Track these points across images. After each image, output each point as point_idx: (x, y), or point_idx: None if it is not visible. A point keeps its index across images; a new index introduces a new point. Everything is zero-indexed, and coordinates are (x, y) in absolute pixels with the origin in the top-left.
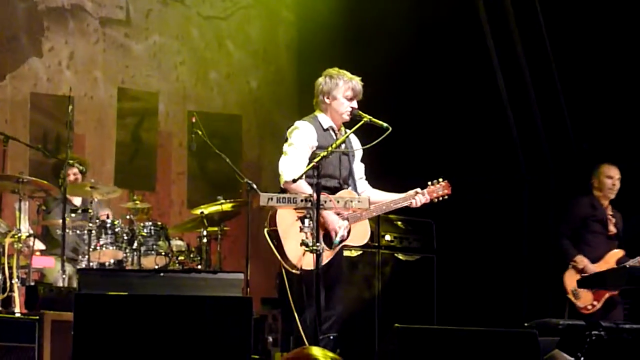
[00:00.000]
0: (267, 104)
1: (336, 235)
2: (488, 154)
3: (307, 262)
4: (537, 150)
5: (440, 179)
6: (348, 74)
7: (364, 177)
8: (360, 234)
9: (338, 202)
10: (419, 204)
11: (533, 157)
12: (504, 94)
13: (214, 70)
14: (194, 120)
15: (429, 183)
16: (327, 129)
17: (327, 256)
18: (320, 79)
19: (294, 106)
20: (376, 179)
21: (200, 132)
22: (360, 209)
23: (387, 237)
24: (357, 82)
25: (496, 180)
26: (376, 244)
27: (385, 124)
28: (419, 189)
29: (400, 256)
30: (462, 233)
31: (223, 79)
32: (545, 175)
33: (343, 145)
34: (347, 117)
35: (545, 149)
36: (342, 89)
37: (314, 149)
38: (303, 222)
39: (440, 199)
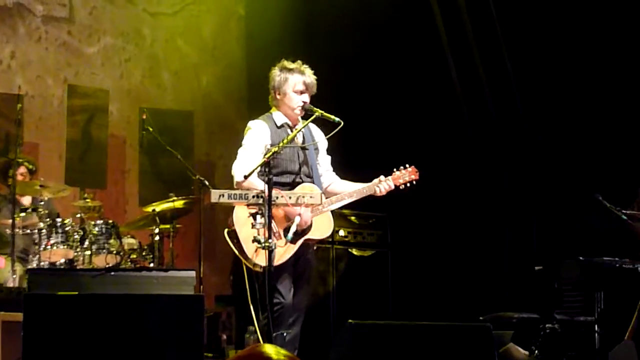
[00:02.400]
0: (218, 100)
1: (289, 227)
2: (442, 146)
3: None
4: (491, 142)
5: (407, 165)
6: (299, 65)
7: (331, 168)
8: (323, 226)
9: (290, 197)
10: (383, 192)
11: (487, 149)
12: (458, 86)
13: (163, 67)
14: (144, 117)
15: (395, 170)
16: (282, 126)
17: (289, 250)
18: (271, 74)
19: (245, 102)
20: (338, 173)
21: (150, 129)
22: (312, 205)
23: (341, 233)
24: (308, 74)
25: (450, 173)
26: (330, 240)
27: (336, 118)
28: (382, 177)
29: (355, 251)
30: (417, 226)
31: (173, 76)
32: (500, 167)
33: (300, 140)
34: (299, 112)
35: (499, 140)
36: (292, 83)
37: (269, 146)
38: (255, 219)
39: (408, 184)
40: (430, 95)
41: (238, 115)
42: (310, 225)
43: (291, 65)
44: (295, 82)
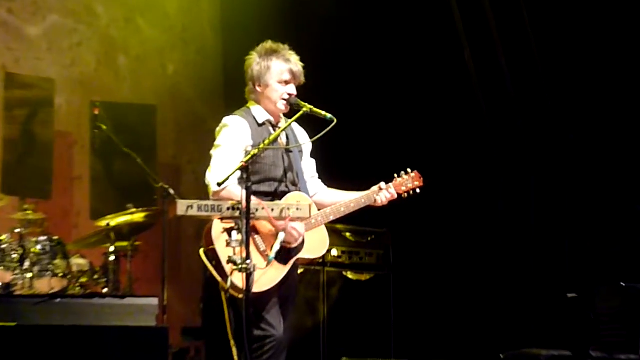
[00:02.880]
0: (187, 92)
1: (272, 244)
2: (452, 147)
3: (257, 284)
4: (513, 143)
5: (409, 170)
6: (283, 50)
7: (316, 175)
8: (316, 244)
9: (272, 209)
10: (384, 201)
11: (508, 151)
12: (473, 70)
13: (121, 52)
14: (97, 112)
15: (395, 175)
16: (263, 124)
17: (280, 272)
18: (249, 61)
19: (220, 94)
20: (327, 181)
21: (105, 127)
22: (299, 218)
23: (334, 252)
24: (295, 61)
25: (463, 179)
26: (321, 260)
27: (328, 115)
28: (383, 184)
29: (350, 275)
30: (425, 244)
31: (133, 62)
32: (524, 173)
33: (284, 141)
34: (283, 107)
35: (523, 140)
36: (275, 72)
37: (250, 147)
38: (230, 235)
39: (411, 192)
40: (438, 85)
41: (212, 110)
42: (303, 243)
43: (274, 50)
44: (280, 70)
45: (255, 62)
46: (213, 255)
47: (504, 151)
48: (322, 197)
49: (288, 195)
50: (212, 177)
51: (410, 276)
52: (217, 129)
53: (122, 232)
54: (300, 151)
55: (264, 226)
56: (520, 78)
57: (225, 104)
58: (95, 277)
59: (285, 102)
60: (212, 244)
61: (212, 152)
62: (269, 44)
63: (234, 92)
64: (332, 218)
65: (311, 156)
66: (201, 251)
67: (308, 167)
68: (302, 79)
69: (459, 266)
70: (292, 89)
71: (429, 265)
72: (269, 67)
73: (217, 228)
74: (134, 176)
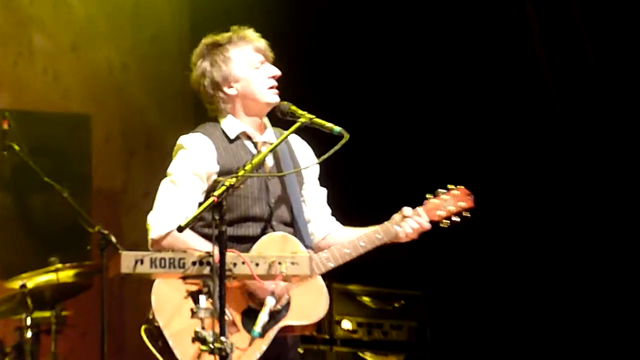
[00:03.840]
0: (138, 96)
1: (253, 313)
2: (518, 157)
3: None
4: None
5: (451, 186)
6: (230, 34)
7: (327, 210)
8: (310, 303)
9: (257, 264)
10: (410, 233)
11: (592, 162)
12: (541, 55)
13: (47, 40)
14: (6, 125)
15: (428, 196)
16: (237, 139)
17: (255, 349)
18: (200, 67)
19: (187, 99)
20: (339, 215)
21: (17, 147)
22: (297, 277)
23: (347, 325)
24: (250, 36)
25: (532, 201)
26: (327, 336)
27: (337, 128)
28: (407, 209)
29: (370, 357)
30: (476, 313)
31: (61, 55)
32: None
33: (270, 163)
34: (273, 98)
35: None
36: (240, 59)
37: (215, 176)
38: (196, 301)
39: (454, 218)
40: (490, 77)
41: (174, 122)
42: (288, 303)
43: (218, 41)
44: (244, 54)
45: (205, 67)
46: (157, 332)
47: (585, 164)
48: (337, 239)
49: (265, 238)
50: (154, 219)
51: (453, 357)
52: (173, 152)
53: (43, 298)
54: (299, 175)
55: (234, 288)
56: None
57: (195, 112)
58: (6, 359)
59: (276, 91)
60: (154, 317)
61: (161, 184)
62: (207, 40)
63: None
64: (332, 265)
65: (321, 184)
66: (142, 328)
67: (314, 199)
68: (271, 54)
69: (519, 343)
70: (271, 70)
71: (481, 343)
72: (230, 58)
73: (160, 292)
74: (59, 217)
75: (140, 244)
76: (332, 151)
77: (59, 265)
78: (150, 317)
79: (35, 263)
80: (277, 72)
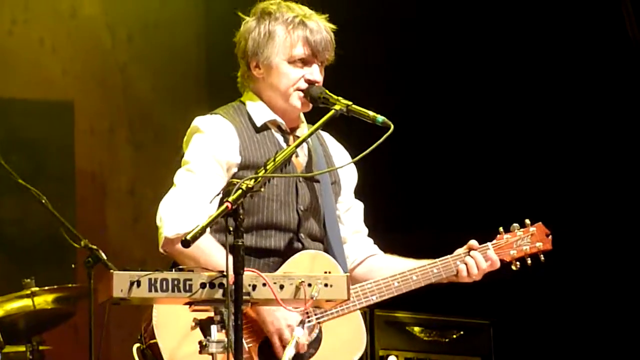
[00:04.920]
0: (135, 78)
1: (284, 348)
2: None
3: None
4: None
5: (528, 221)
6: (296, 11)
7: (364, 230)
8: (345, 341)
9: (281, 286)
10: (475, 273)
11: None
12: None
13: (20, 12)
14: None
15: (501, 230)
16: (265, 128)
17: None
18: (243, 27)
19: (199, 80)
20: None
21: None
22: (333, 300)
23: None
24: (316, 26)
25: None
26: None
27: (380, 117)
28: (474, 242)
29: None
30: (547, 344)
31: (36, 28)
32: None
33: (303, 162)
34: (298, 104)
35: None
36: (281, 43)
37: (235, 170)
38: (206, 332)
39: (528, 259)
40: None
41: (182, 108)
42: (319, 339)
43: (280, 11)
44: (289, 40)
45: (251, 27)
46: (155, 355)
47: None
48: (379, 268)
49: (297, 255)
50: (169, 214)
51: None
52: (185, 137)
53: (17, 328)
54: (335, 183)
55: (252, 316)
56: None
57: (208, 96)
58: None
59: (302, 96)
60: (154, 337)
61: (176, 175)
62: (265, 3)
63: (220, 73)
64: (374, 300)
65: (357, 197)
66: (134, 347)
67: (349, 214)
68: (331, 55)
69: None
70: (314, 73)
71: None
72: (271, 34)
73: (162, 312)
74: (37, 229)
75: (129, 259)
76: (375, 145)
77: (36, 289)
78: (145, 334)
79: (6, 286)
80: (318, 79)
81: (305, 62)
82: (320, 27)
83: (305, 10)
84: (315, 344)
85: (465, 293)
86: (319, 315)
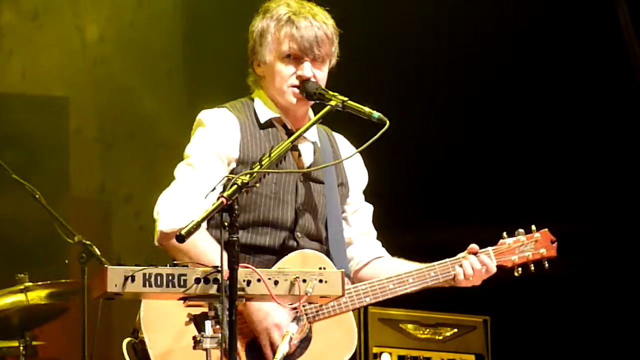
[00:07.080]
0: (124, 74)
1: (272, 347)
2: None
3: None
4: None
5: (534, 228)
6: (298, 4)
7: (373, 232)
8: (336, 341)
9: (275, 282)
10: (471, 276)
11: None
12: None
13: (9, 4)
14: None
15: (505, 235)
16: (270, 125)
17: None
18: (252, 23)
19: (179, 75)
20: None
21: None
22: (327, 296)
23: (386, 359)
24: (305, 22)
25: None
26: None
27: (376, 113)
28: (474, 246)
29: None
30: (544, 342)
31: (28, 23)
32: None
33: (308, 160)
34: (292, 99)
35: None
36: (272, 40)
37: (234, 165)
38: (200, 328)
39: (530, 265)
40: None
41: (175, 104)
42: (308, 338)
43: (277, 8)
44: (277, 37)
45: (253, 26)
46: (143, 349)
47: None
48: (378, 270)
49: (292, 254)
50: (166, 208)
51: None
52: (193, 128)
53: (10, 324)
54: (342, 184)
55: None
56: None
57: (214, 94)
58: None
59: (297, 92)
60: (140, 331)
61: (176, 168)
62: (270, 2)
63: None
64: (368, 301)
65: (366, 199)
66: (124, 342)
67: (358, 216)
68: (326, 51)
69: None
70: (305, 69)
71: None
72: (264, 33)
73: (151, 307)
74: (30, 225)
75: (122, 254)
76: (371, 140)
77: (29, 284)
78: (137, 332)
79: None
80: (307, 74)
81: (296, 58)
82: (311, 24)
83: (305, 6)
84: (305, 342)
85: (459, 291)
86: (309, 315)
